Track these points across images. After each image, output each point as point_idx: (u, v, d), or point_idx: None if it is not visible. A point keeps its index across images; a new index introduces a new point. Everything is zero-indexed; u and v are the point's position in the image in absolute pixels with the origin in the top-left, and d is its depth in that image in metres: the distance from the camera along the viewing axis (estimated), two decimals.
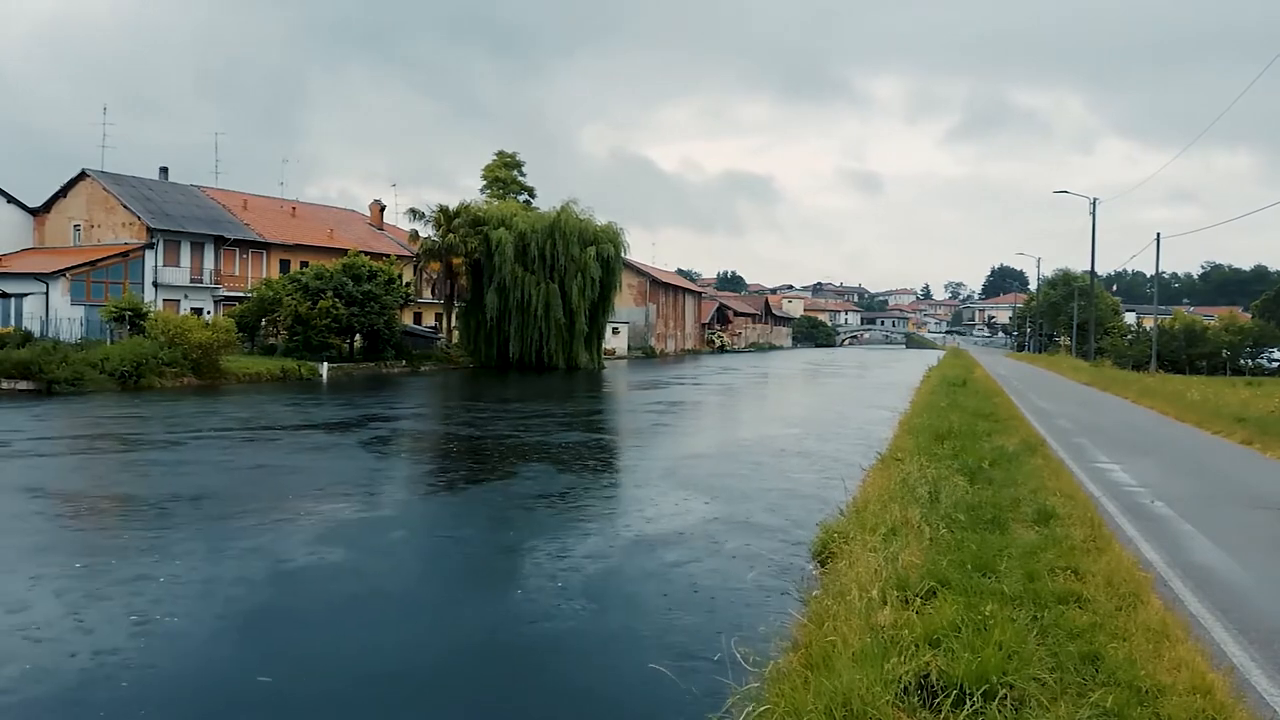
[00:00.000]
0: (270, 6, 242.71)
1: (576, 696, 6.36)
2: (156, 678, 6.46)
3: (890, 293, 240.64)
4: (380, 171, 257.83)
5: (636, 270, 77.94)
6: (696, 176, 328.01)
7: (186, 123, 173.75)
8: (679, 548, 10.33)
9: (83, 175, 49.64)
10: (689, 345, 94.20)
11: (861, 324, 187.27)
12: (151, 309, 39.72)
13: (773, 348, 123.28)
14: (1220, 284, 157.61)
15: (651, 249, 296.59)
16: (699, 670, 6.29)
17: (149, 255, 46.83)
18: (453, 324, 54.24)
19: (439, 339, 54.09)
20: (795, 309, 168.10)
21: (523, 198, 66.63)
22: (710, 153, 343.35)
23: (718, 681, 5.68)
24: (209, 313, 45.81)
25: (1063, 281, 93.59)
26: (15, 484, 13.80)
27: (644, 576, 9.18)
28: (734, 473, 15.86)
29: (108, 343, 34.22)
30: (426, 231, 52.53)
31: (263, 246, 52.48)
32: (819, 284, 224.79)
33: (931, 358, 69.81)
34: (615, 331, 70.52)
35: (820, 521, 10.48)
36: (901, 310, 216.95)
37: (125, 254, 46.23)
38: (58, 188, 50.42)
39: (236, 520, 11.42)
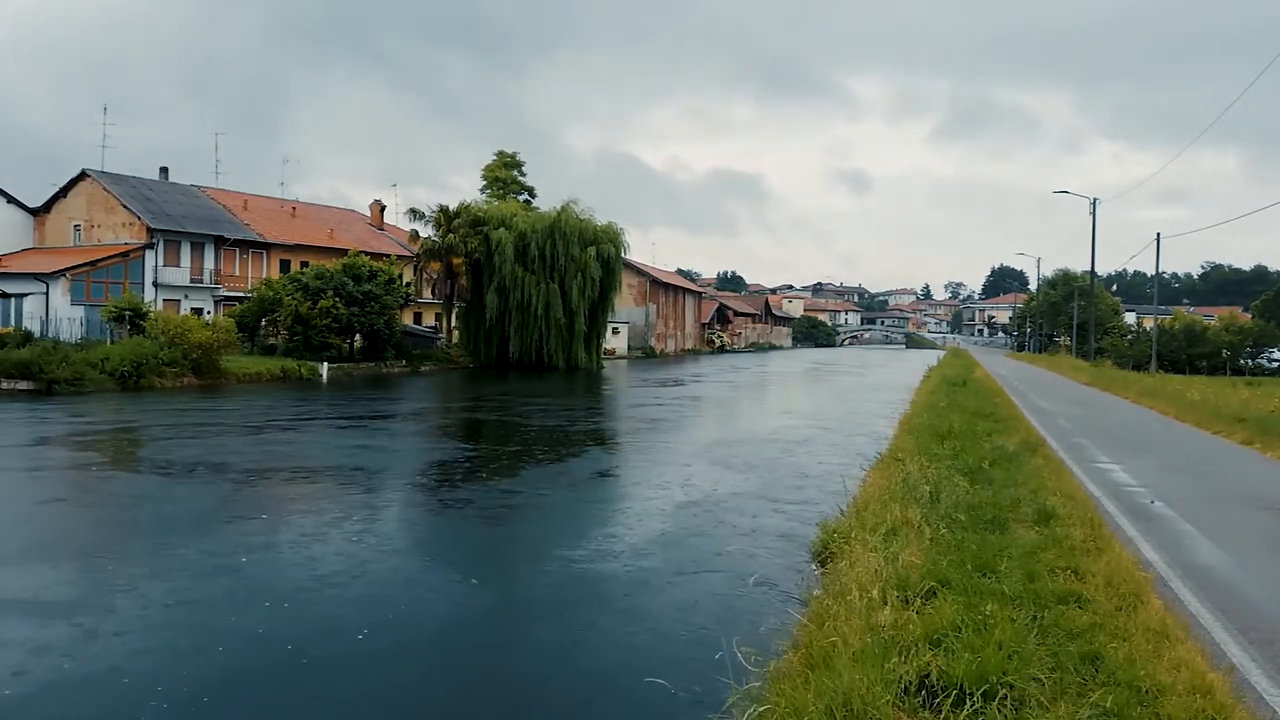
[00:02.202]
0: (252, 7, 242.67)
1: (652, 602, 8.42)
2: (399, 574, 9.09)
3: (890, 293, 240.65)
4: (368, 171, 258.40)
5: (636, 270, 77.93)
6: (685, 176, 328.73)
7: (168, 123, 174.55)
8: (720, 510, 12.38)
9: (83, 175, 49.63)
10: (689, 345, 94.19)
11: (861, 324, 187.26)
12: (151, 309, 39.72)
13: (773, 348, 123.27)
14: (1220, 284, 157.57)
15: (651, 249, 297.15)
16: (728, 589, 8.66)
17: (149, 255, 46.84)
18: (453, 324, 54.25)
19: (439, 339, 54.09)
20: (795, 309, 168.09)
21: (523, 198, 66.62)
22: (699, 153, 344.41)
23: (739, 602, 8.13)
24: (209, 313, 45.81)
25: (1063, 281, 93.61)
26: (204, 462, 15.93)
27: (693, 527, 11.38)
28: (757, 455, 17.82)
29: (108, 343, 34.20)
30: (426, 231, 52.57)
31: (263, 246, 52.48)
32: (819, 284, 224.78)
33: (932, 358, 69.81)
34: (615, 331, 70.52)
35: (820, 520, 10.51)
36: (902, 310, 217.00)
37: (125, 254, 46.23)
38: (55, 188, 50.46)
39: (389, 480, 14.81)
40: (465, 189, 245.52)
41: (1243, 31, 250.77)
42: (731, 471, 15.63)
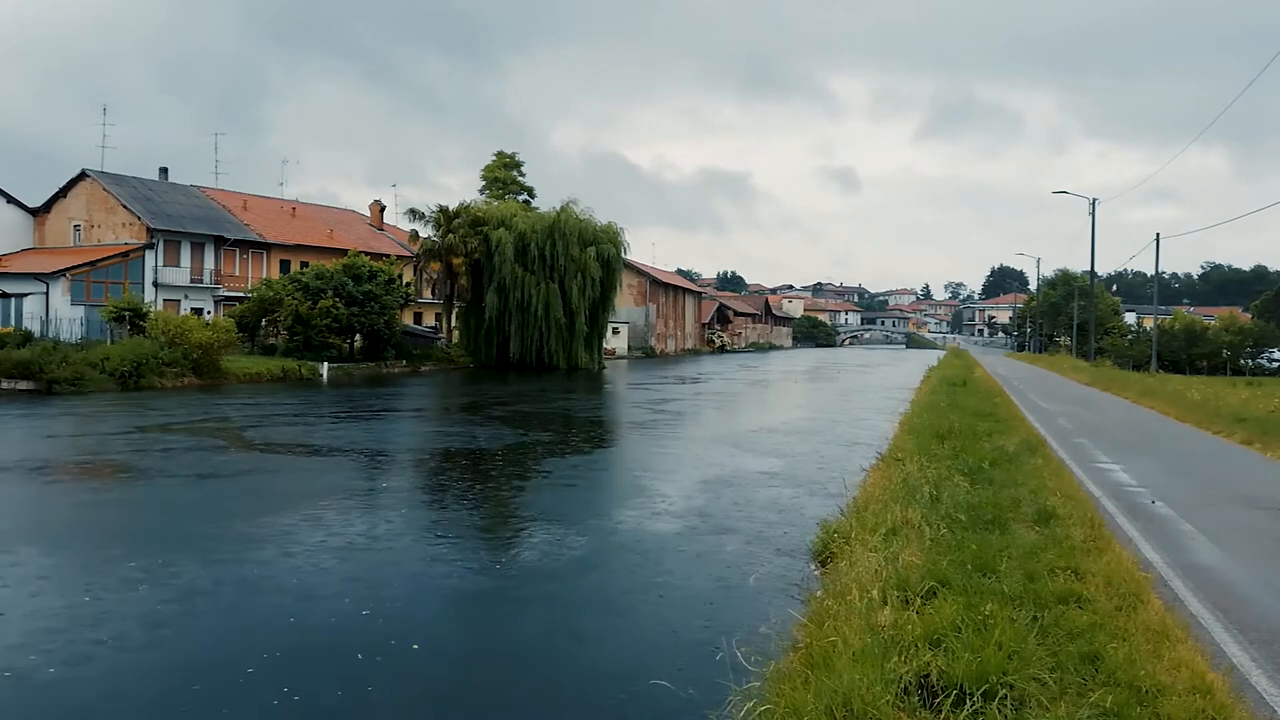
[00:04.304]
0: (228, 4, 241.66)
1: (703, 548, 10.32)
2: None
3: (890, 293, 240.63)
4: (356, 170, 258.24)
5: (636, 270, 77.88)
6: (673, 175, 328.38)
7: (149, 120, 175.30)
8: (744, 486, 14.37)
9: (83, 175, 49.61)
10: (689, 345, 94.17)
11: (862, 324, 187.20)
12: (151, 309, 39.69)
13: (773, 348, 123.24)
14: (1220, 284, 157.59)
15: (651, 249, 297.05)
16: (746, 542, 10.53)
17: (149, 255, 46.84)
18: (453, 324, 54.24)
19: (439, 339, 54.08)
20: (795, 309, 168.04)
21: (522, 198, 66.60)
22: (685, 152, 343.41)
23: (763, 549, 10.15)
24: (209, 313, 45.81)
25: (1062, 282, 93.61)
26: (306, 443, 18.79)
27: (724, 496, 13.34)
28: (773, 443, 19.81)
29: (108, 343, 34.19)
30: (426, 232, 52.56)
31: (263, 247, 52.48)
32: (819, 284, 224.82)
33: (932, 358, 69.84)
34: (615, 331, 70.47)
35: (821, 519, 10.53)
36: (902, 310, 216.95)
37: (125, 254, 46.23)
38: (56, 188, 50.44)
39: (481, 459, 16.95)
40: (454, 187, 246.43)
41: (1229, 31, 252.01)
42: (751, 455, 17.75)
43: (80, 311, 41.53)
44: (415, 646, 6.91)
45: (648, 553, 10.01)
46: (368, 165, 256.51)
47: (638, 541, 10.51)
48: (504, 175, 68.32)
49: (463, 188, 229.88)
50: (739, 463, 16.71)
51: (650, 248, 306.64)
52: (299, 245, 54.09)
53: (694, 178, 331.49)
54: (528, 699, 6.20)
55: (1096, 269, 70.50)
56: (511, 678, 6.52)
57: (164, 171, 54.75)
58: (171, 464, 15.61)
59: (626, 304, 72.17)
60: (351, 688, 6.12)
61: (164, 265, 47.41)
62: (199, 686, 6.07)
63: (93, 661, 6.49)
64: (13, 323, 39.93)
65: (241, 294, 48.12)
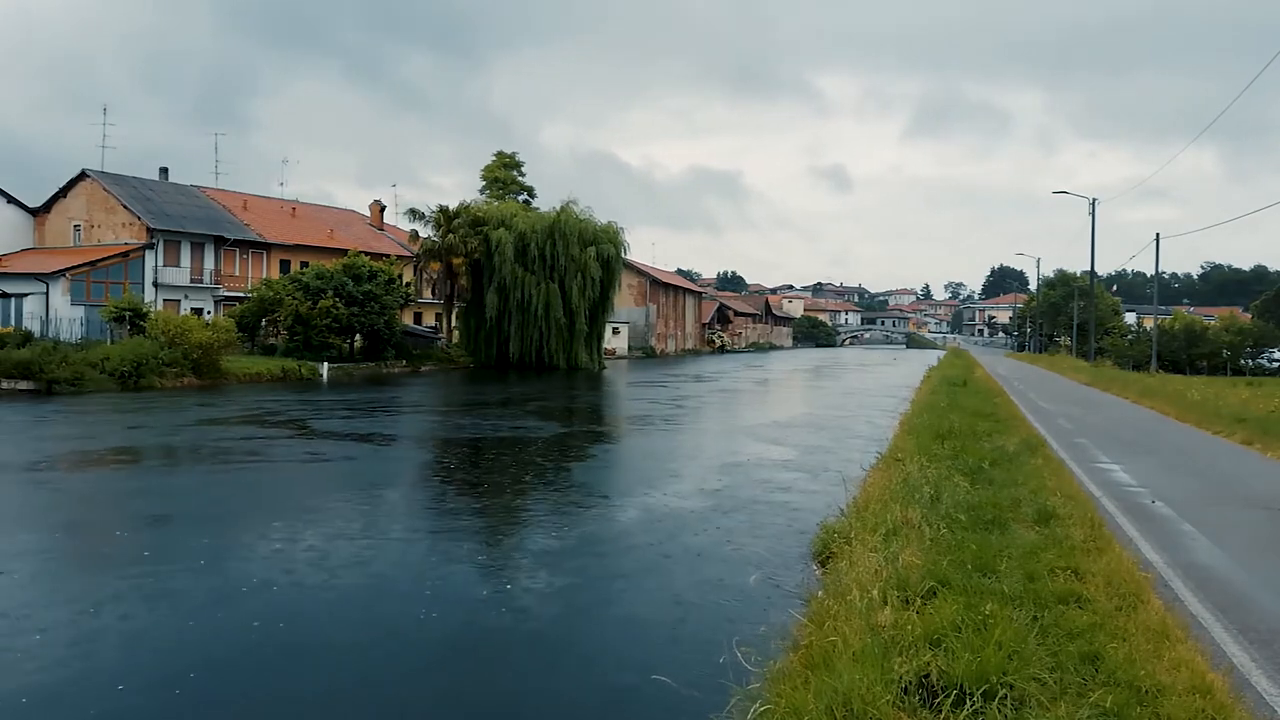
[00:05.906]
0: (220, 8, 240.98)
1: (728, 523, 11.74)
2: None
3: (890, 293, 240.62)
4: (347, 169, 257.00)
5: (636, 270, 77.85)
6: (663, 174, 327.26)
7: (134, 120, 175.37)
8: (763, 470, 16.23)
9: (83, 175, 49.60)
10: (689, 345, 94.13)
11: (862, 324, 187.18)
12: (151, 309, 39.69)
13: (773, 348, 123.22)
14: (1220, 284, 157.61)
15: (651, 249, 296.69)
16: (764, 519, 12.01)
17: (149, 255, 46.83)
18: (453, 324, 54.24)
19: (439, 339, 54.07)
20: (795, 309, 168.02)
21: (522, 198, 66.61)
22: (674, 151, 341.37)
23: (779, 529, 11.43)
24: (209, 313, 45.79)
25: (1062, 282, 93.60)
26: (380, 433, 20.79)
27: (747, 475, 15.44)
28: (785, 434, 21.84)
29: (108, 343, 34.19)
30: (426, 232, 52.56)
31: (263, 247, 52.47)
32: (819, 284, 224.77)
33: (932, 358, 69.83)
34: (615, 331, 70.47)
35: (822, 516, 10.56)
36: (902, 310, 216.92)
37: (125, 254, 46.22)
38: (56, 188, 50.40)
39: (538, 446, 18.77)
40: (446, 186, 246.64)
41: (1221, 30, 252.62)
42: (763, 444, 19.72)
43: (80, 311, 41.52)
44: (508, 586, 8.77)
45: (677, 530, 11.23)
46: (360, 164, 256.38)
47: (669, 516, 11.97)
48: (504, 175, 68.34)
49: (455, 187, 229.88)
50: (755, 450, 18.71)
51: (650, 248, 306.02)
52: (299, 245, 54.07)
53: (685, 177, 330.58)
54: (574, 630, 7.81)
55: (1096, 269, 70.52)
56: (566, 611, 8.18)
57: (164, 171, 54.76)
58: (274, 450, 17.60)
59: (626, 304, 72.17)
60: (474, 613, 8.06)
61: (164, 265, 47.39)
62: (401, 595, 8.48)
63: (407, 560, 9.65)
64: (13, 323, 39.92)
65: (241, 294, 48.10)
